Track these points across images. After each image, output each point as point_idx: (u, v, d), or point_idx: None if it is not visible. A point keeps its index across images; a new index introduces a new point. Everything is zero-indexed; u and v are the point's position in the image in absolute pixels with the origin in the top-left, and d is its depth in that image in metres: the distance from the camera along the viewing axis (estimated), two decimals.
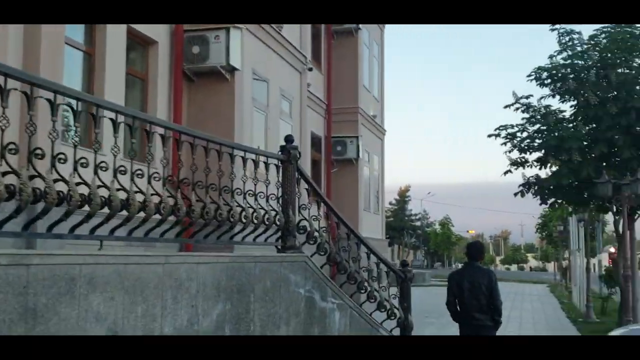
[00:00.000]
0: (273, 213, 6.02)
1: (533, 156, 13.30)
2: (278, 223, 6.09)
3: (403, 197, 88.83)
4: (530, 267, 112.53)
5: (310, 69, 14.13)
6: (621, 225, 14.93)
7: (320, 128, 17.50)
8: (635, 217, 13.20)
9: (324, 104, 17.41)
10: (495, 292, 6.89)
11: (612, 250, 44.82)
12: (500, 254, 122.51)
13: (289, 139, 6.38)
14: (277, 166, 6.27)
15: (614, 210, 13.28)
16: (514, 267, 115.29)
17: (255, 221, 5.71)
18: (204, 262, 4.93)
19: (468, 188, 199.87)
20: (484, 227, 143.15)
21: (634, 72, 11.85)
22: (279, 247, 6.33)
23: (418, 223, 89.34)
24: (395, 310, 7.88)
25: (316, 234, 6.68)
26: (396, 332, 7.95)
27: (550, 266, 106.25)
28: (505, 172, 13.36)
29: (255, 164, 5.82)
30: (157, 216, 4.50)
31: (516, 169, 13.35)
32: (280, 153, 6.37)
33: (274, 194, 6.14)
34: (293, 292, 6.18)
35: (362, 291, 7.46)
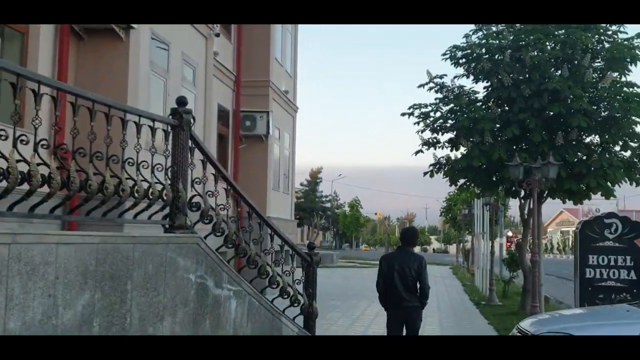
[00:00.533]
0: (159, 186, 5.18)
1: (445, 137, 13.04)
2: (165, 198, 5.26)
3: (314, 178, 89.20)
4: (434, 249, 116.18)
5: (218, 35, 13.14)
6: (527, 210, 15.04)
7: (228, 101, 16.54)
8: (542, 201, 13.22)
9: (233, 75, 16.46)
10: (423, 276, 7.07)
11: (510, 234, 46.36)
12: None
13: (181, 100, 5.53)
14: (166, 132, 5.42)
15: (522, 194, 13.25)
16: (417, 249, 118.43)
17: (137, 195, 4.85)
18: (67, 242, 4.07)
19: (378, 171, 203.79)
20: (391, 210, 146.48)
21: (547, 54, 11.72)
22: (167, 226, 5.50)
23: (328, 205, 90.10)
24: (299, 297, 7.26)
25: (212, 212, 5.89)
26: (300, 320, 7.33)
27: (452, 248, 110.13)
28: (417, 152, 13.03)
29: (138, 127, 4.95)
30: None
31: (427, 149, 13.06)
32: (170, 117, 5.51)
33: (161, 164, 5.29)
34: (181, 279, 5.38)
35: (264, 276, 6.77)
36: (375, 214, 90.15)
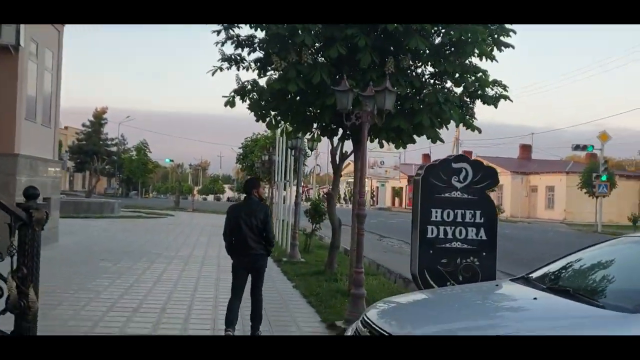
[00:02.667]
0: None
1: (253, 57, 10.21)
2: None
3: (99, 119, 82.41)
4: (228, 198, 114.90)
5: None
6: (339, 154, 12.99)
7: None
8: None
9: None
10: (268, 225, 7.32)
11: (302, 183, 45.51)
12: (198, 184, 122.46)
13: None
14: None
15: (339, 134, 11.04)
16: (210, 198, 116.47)
17: None
18: None
19: (171, 117, 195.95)
20: (184, 157, 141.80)
21: None
22: None
23: (115, 149, 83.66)
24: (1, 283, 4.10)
25: None
26: (5, 322, 4.18)
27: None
28: (215, 71, 10.02)
29: None
30: None
31: (229, 68, 10.13)
32: None
33: None
34: None
35: None
36: (171, 160, 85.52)
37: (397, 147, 11.04)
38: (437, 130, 10.30)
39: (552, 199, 60.74)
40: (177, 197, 50.04)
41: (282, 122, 11.11)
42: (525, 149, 74.22)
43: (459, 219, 7.40)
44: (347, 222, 15.19)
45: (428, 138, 10.46)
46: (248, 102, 10.27)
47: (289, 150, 16.88)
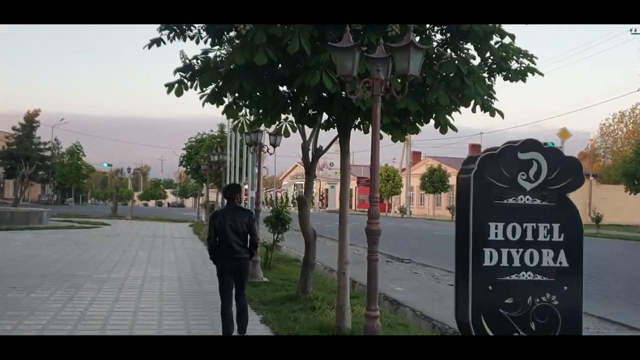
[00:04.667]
0: None
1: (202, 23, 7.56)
2: None
3: (30, 122, 78.21)
4: (168, 203, 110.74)
5: None
6: (312, 149, 10.52)
7: None
8: (348, 133, 8.61)
9: None
10: (253, 229, 7.52)
11: (246, 186, 42.92)
12: (139, 190, 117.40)
13: None
14: None
15: (321, 120, 8.48)
16: (152, 203, 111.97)
17: None
18: None
19: (109, 120, 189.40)
20: (124, 162, 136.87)
21: None
22: None
23: (48, 153, 79.26)
24: None
25: None
26: None
27: (189, 202, 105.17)
28: (151, 44, 7.23)
29: None
30: None
31: (171, 38, 7.42)
32: None
33: None
34: None
35: None
36: (109, 165, 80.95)
37: (394, 140, 8.56)
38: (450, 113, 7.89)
39: None
40: (114, 204, 46.29)
41: (245, 109, 8.46)
42: (475, 148, 73.77)
43: (530, 237, 4.96)
44: (295, 226, 12.63)
45: (437, 126, 7.99)
46: (198, 83, 7.58)
47: (247, 147, 14.18)
